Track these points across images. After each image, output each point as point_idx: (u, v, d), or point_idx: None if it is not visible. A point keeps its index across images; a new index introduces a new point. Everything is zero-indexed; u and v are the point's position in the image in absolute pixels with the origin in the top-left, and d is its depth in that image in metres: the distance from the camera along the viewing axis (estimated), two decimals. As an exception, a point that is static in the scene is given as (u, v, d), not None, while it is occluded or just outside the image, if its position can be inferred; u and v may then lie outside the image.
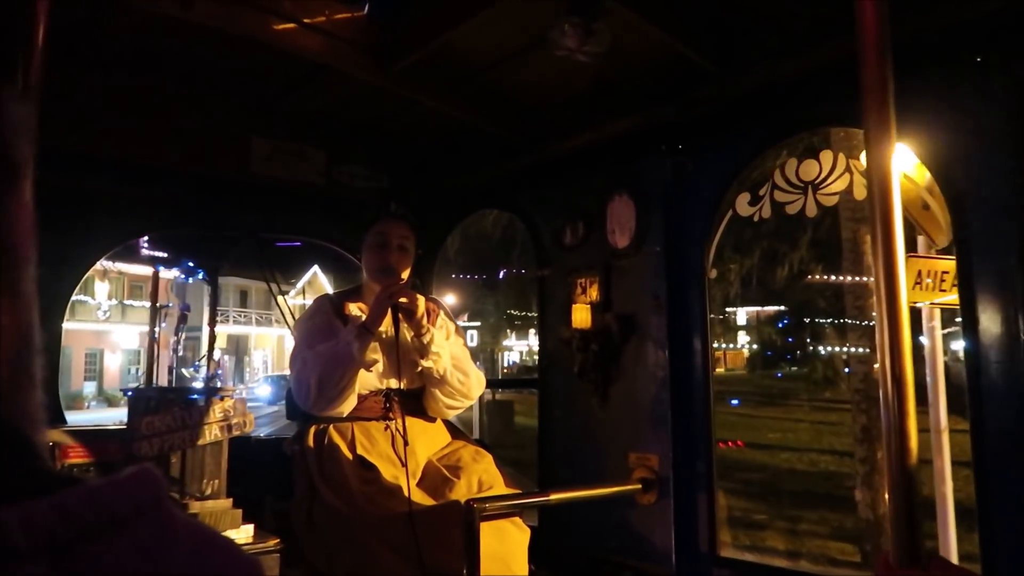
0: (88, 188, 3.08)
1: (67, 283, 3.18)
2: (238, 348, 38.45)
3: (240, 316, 37.46)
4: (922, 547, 0.86)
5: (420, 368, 2.48)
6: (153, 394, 2.68)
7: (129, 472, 0.45)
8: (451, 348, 2.55)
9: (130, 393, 2.57)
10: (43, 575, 0.38)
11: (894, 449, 0.86)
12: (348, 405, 2.46)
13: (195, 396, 2.53)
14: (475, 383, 2.60)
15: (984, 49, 2.04)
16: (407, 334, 2.51)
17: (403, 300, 2.41)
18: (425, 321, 2.46)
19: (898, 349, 0.88)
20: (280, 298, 4.07)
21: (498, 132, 3.27)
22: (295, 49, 2.61)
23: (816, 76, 2.38)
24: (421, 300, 2.47)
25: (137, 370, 31.37)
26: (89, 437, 2.62)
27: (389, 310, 2.47)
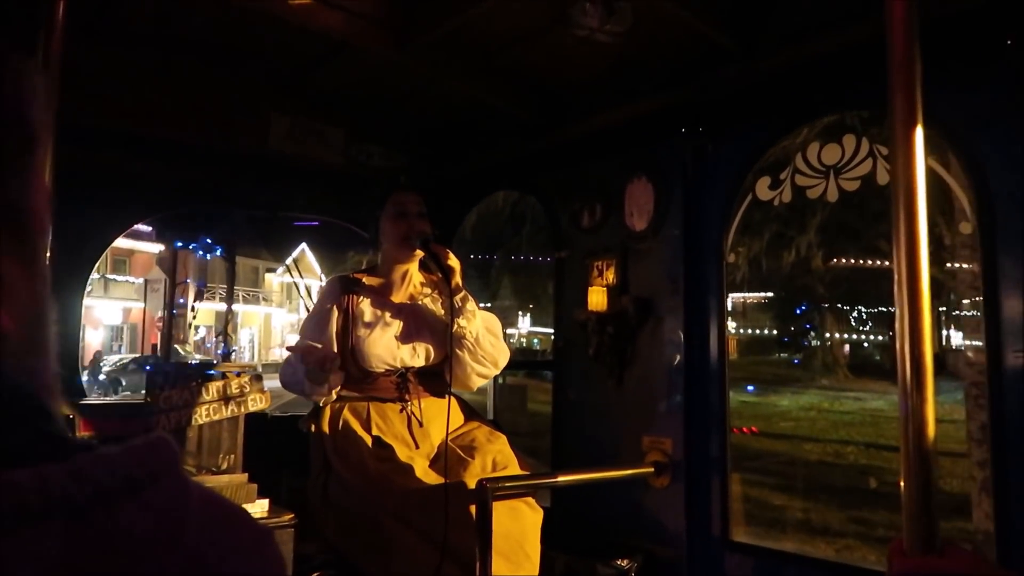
0: (107, 164, 3.08)
1: (87, 259, 3.21)
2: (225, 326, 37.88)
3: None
4: (937, 534, 0.85)
5: (455, 328, 2.44)
6: (171, 369, 2.71)
7: (144, 439, 0.45)
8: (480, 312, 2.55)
9: (149, 368, 2.60)
10: (57, 537, 0.38)
11: (911, 433, 0.85)
12: (322, 400, 2.52)
13: (212, 372, 2.56)
14: (503, 349, 2.61)
15: (1014, 30, 1.99)
16: (430, 304, 2.56)
17: (449, 261, 2.42)
18: (460, 279, 2.46)
19: (917, 332, 0.87)
20: (302, 286, 4.07)
21: (517, 112, 3.25)
22: (314, 25, 2.60)
23: (841, 58, 2.34)
24: (455, 260, 2.47)
25: (120, 347, 30.14)
26: (106, 412, 2.65)
27: (416, 272, 2.64)
